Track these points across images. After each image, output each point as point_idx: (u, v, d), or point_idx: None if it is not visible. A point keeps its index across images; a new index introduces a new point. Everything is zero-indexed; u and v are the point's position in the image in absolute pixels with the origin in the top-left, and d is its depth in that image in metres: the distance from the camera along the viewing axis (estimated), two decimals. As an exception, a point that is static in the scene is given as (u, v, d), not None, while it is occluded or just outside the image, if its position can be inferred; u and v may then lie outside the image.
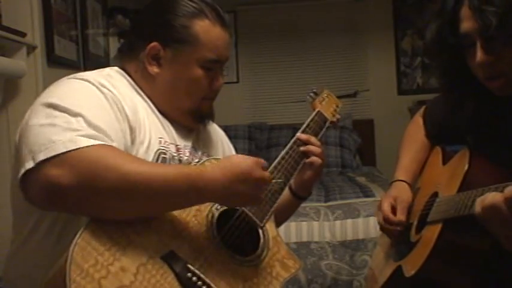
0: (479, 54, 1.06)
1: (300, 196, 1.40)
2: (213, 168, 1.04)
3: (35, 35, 2.24)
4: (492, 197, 0.91)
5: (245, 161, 1.04)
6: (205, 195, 1.01)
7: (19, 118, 1.07)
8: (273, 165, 1.27)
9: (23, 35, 2.14)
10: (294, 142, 1.34)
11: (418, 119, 1.53)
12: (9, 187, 1.13)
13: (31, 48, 2.22)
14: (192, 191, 0.99)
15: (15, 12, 2.15)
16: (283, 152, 1.30)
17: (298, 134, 1.35)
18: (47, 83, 1.13)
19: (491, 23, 1.00)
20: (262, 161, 1.08)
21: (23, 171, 0.94)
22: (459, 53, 1.12)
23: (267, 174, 1.08)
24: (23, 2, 2.20)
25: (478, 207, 0.93)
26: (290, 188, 1.39)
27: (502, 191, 0.91)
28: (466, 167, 1.16)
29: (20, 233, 1.10)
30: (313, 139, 1.36)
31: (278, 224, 1.29)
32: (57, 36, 2.47)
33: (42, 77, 2.24)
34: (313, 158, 1.33)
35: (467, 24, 1.07)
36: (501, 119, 1.17)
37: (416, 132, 1.51)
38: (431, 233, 1.17)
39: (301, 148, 1.32)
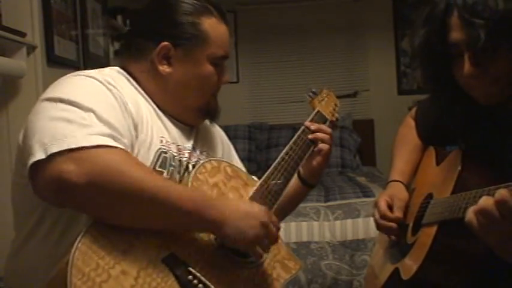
0: (467, 66, 1.05)
1: (308, 184, 1.43)
2: (226, 201, 1.08)
3: (35, 35, 2.24)
4: (483, 201, 0.91)
5: (257, 205, 1.10)
6: (206, 226, 1.03)
7: (19, 118, 1.08)
8: (273, 165, 1.27)
9: (23, 35, 2.13)
10: (298, 137, 1.34)
11: (410, 121, 1.53)
12: (9, 187, 1.13)
13: (31, 48, 2.22)
14: (199, 217, 1.01)
15: (15, 12, 2.15)
16: (282, 153, 1.31)
17: (307, 123, 1.38)
18: (47, 83, 1.12)
19: (480, 36, 0.99)
20: (274, 216, 1.12)
21: (32, 161, 0.93)
22: (446, 60, 1.11)
23: (273, 227, 1.09)
24: (23, 2, 2.20)
25: (470, 214, 0.92)
26: (299, 176, 1.41)
27: (493, 195, 0.91)
28: (459, 168, 1.16)
29: (21, 233, 1.10)
30: (323, 126, 1.39)
31: (285, 214, 1.33)
32: (57, 36, 2.46)
33: (42, 77, 2.24)
34: (321, 145, 1.36)
35: (456, 34, 1.05)
36: (488, 126, 1.16)
37: (408, 133, 1.51)
38: (427, 235, 1.17)
39: (309, 136, 1.35)
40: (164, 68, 1.20)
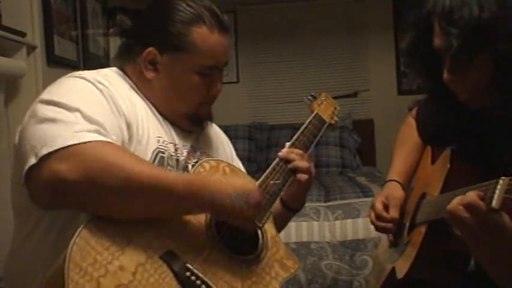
0: (445, 72, 1.07)
1: (292, 208, 1.38)
2: (220, 182, 1.07)
3: (35, 35, 2.24)
4: (454, 202, 0.92)
5: (251, 184, 1.09)
6: (205, 205, 1.03)
7: (19, 118, 1.08)
8: (272, 166, 1.26)
9: (23, 35, 2.14)
10: (276, 164, 1.29)
11: (411, 120, 1.53)
12: (9, 187, 1.13)
13: (31, 48, 2.22)
14: (195, 200, 1.00)
15: (15, 12, 2.15)
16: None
17: (279, 154, 1.29)
18: (47, 83, 1.13)
19: (452, 45, 1.00)
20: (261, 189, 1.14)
21: (26, 168, 0.94)
22: (434, 62, 1.12)
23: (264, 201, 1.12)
24: (23, 2, 2.20)
25: (446, 215, 0.94)
26: (281, 200, 1.36)
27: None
28: (448, 166, 1.17)
29: (20, 232, 1.10)
30: (295, 151, 1.30)
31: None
32: (57, 36, 2.47)
33: (42, 77, 2.25)
34: (300, 175, 1.29)
35: (437, 40, 1.07)
36: (477, 127, 1.17)
37: (408, 133, 1.52)
38: (418, 235, 1.19)
39: (289, 166, 1.28)
40: (149, 73, 1.20)
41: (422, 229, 1.16)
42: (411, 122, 1.53)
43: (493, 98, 1.05)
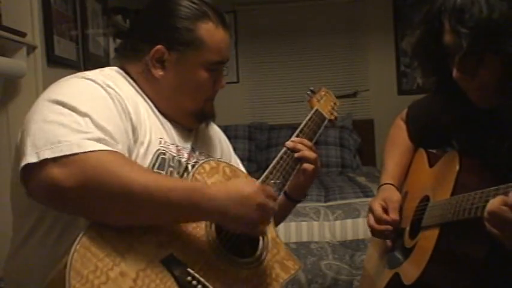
0: (454, 71, 1.07)
1: (294, 199, 1.40)
2: (218, 188, 1.06)
3: (35, 35, 2.24)
4: (495, 202, 0.91)
5: (250, 186, 1.07)
6: (205, 212, 1.02)
7: (19, 118, 1.07)
8: (272, 165, 1.26)
9: (23, 35, 2.13)
10: (284, 153, 1.31)
11: (400, 123, 1.53)
12: (9, 187, 1.13)
13: (31, 48, 2.22)
14: (193, 207, 1.00)
15: (15, 12, 2.15)
16: (281, 152, 1.30)
17: (287, 143, 1.32)
18: (47, 83, 1.13)
19: (462, 45, 1.01)
20: (268, 188, 1.11)
21: (24, 163, 0.93)
22: (444, 58, 1.12)
23: (271, 203, 1.08)
24: (23, 2, 2.20)
25: (485, 214, 0.93)
26: (284, 191, 1.37)
27: (504, 194, 0.91)
28: (457, 168, 1.16)
29: (20, 233, 1.10)
30: (304, 142, 1.33)
31: (274, 224, 1.29)
32: (57, 36, 2.46)
33: (42, 77, 2.24)
34: (306, 165, 1.31)
35: (448, 37, 1.07)
36: (483, 128, 1.17)
37: (399, 136, 1.51)
38: (428, 238, 1.17)
39: (296, 155, 1.30)
40: (157, 71, 1.20)
41: (434, 232, 1.14)
42: (401, 124, 1.53)
43: (501, 98, 1.05)
